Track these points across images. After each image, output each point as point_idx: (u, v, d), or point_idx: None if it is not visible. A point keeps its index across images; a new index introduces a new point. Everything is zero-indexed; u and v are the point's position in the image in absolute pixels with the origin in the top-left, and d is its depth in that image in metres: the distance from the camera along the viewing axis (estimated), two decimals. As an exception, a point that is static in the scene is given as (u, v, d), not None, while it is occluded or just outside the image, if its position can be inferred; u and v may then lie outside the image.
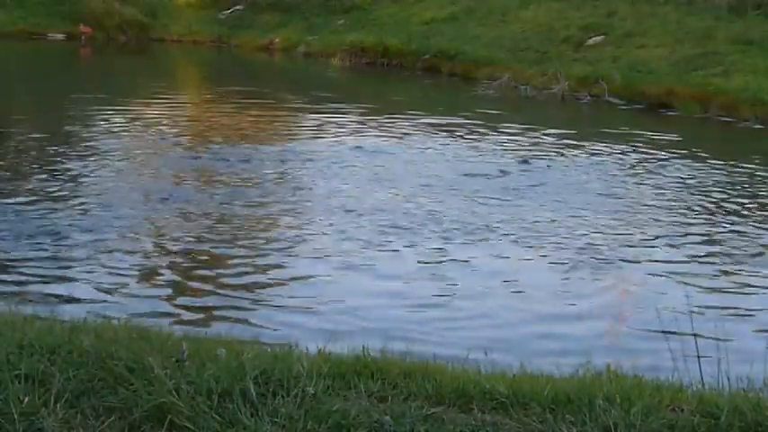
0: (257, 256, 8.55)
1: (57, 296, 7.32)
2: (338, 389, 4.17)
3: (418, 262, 8.51)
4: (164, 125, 15.50)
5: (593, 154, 14.06)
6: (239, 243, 8.89)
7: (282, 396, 3.99)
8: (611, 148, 14.56)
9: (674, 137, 15.66)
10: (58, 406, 3.77)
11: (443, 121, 16.45)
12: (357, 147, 13.85)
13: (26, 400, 3.77)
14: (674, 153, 14.26)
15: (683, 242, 9.50)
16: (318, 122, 16.06)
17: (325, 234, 9.26)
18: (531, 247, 9.12)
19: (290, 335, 6.07)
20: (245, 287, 7.79)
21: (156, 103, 17.69)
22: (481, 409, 4.07)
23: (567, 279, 8.28)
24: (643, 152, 14.31)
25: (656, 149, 14.53)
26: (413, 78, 22.73)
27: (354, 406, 3.97)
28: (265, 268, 8.29)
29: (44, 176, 11.21)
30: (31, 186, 10.63)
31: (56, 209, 9.68)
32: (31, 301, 7.05)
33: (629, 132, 16.11)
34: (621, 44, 22.15)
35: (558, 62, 21.38)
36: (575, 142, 14.90)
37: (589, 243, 9.25)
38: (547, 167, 12.83)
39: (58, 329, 4.73)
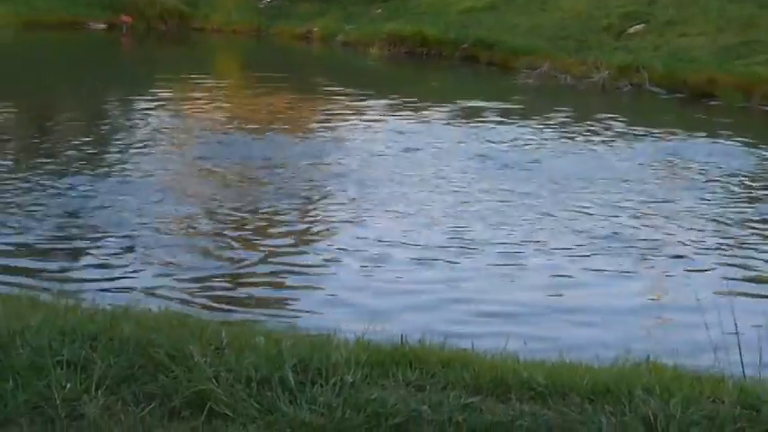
0: (295, 244, 8.57)
1: (97, 284, 7.39)
2: (376, 377, 4.17)
3: (458, 248, 8.51)
4: (202, 113, 15.56)
5: (634, 143, 13.93)
6: (278, 231, 8.92)
7: (321, 384, 4.00)
8: (652, 136, 14.43)
9: (716, 126, 15.48)
10: (100, 392, 3.81)
11: (481, 110, 16.38)
12: (395, 133, 13.85)
13: (68, 386, 3.81)
14: (716, 142, 14.12)
15: (728, 231, 9.41)
16: (357, 111, 16.05)
17: (365, 221, 9.27)
18: (569, 235, 9.07)
19: (329, 324, 6.07)
20: (285, 276, 7.82)
21: (196, 91, 17.76)
22: (519, 398, 4.06)
23: (605, 268, 8.23)
24: (685, 141, 14.17)
25: (699, 138, 14.38)
26: (451, 68, 22.64)
27: (392, 395, 3.98)
28: (304, 257, 8.30)
29: (85, 164, 11.31)
30: (71, 173, 10.73)
31: (96, 196, 9.76)
32: (71, 291, 7.11)
33: (671, 121, 15.96)
34: (663, 32, 21.91)
35: (599, 51, 21.19)
36: (615, 131, 14.78)
37: (629, 233, 9.19)
38: (585, 157, 12.75)
39: (100, 317, 4.77)
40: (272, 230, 8.96)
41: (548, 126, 15.05)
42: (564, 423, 3.83)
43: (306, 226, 9.17)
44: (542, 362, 4.80)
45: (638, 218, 9.77)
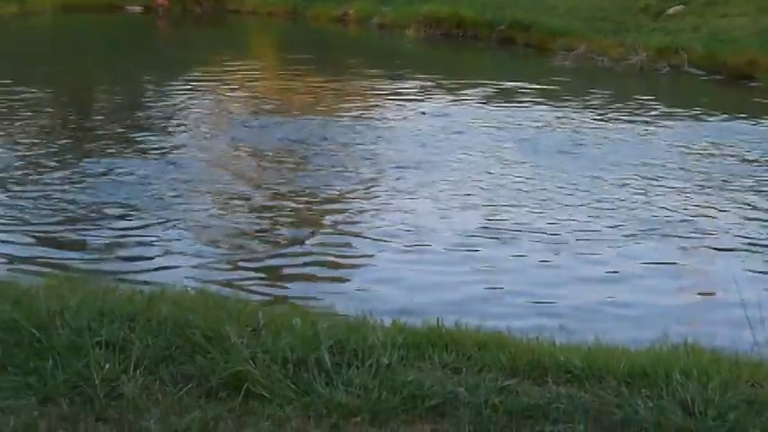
0: (334, 228, 8.57)
1: (135, 264, 7.45)
2: (412, 360, 4.18)
3: (496, 234, 8.47)
4: (239, 96, 15.60)
5: (674, 125, 13.80)
6: (316, 214, 8.93)
7: (357, 366, 4.01)
8: (692, 118, 14.29)
9: (757, 108, 15.30)
10: (138, 372, 3.84)
11: (518, 93, 16.29)
12: (431, 116, 13.81)
13: (107, 366, 3.85)
14: (757, 123, 13.96)
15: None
16: (393, 93, 16.01)
17: (402, 206, 9.24)
18: (605, 218, 9.02)
19: (366, 307, 6.07)
20: (322, 257, 7.83)
21: (232, 74, 17.79)
22: (555, 381, 4.05)
23: (645, 251, 8.17)
24: (725, 123, 14.02)
25: (739, 120, 14.21)
26: (487, 50, 22.52)
27: (428, 377, 3.98)
28: (342, 241, 8.30)
29: (123, 145, 11.39)
30: (109, 154, 10.80)
31: (134, 177, 9.83)
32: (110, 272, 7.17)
33: (711, 103, 15.79)
34: (702, 13, 21.66)
35: (637, 32, 20.98)
36: (654, 114, 14.65)
37: (669, 218, 9.12)
38: (624, 140, 12.65)
39: (138, 298, 4.81)
40: (309, 214, 8.98)
41: (585, 108, 14.94)
42: (600, 406, 3.82)
43: (344, 210, 9.16)
44: (579, 345, 4.78)
45: (678, 202, 9.67)
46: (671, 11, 22.28)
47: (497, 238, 8.34)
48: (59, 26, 26.24)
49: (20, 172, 9.96)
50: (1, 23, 24.88)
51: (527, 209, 9.23)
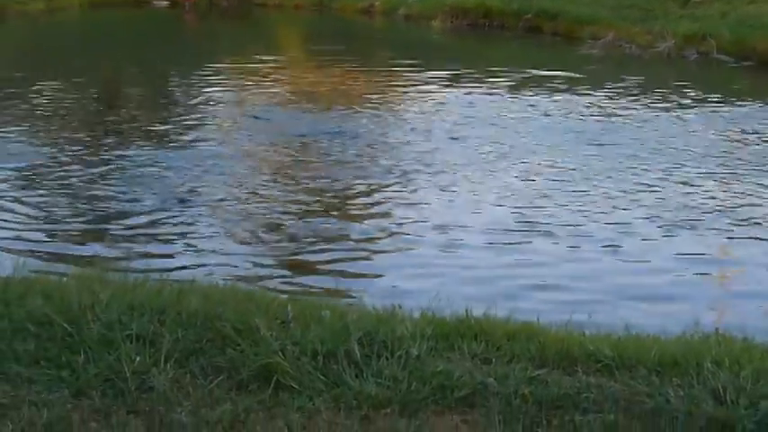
0: (364, 222, 8.55)
1: (164, 258, 7.48)
2: (442, 350, 4.18)
3: (522, 225, 8.44)
4: (266, 89, 15.63)
5: (704, 112, 13.70)
6: (347, 208, 8.91)
7: (386, 357, 4.02)
8: (722, 105, 14.18)
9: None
10: (168, 365, 3.86)
11: (547, 81, 16.21)
12: (460, 106, 13.79)
13: (137, 359, 3.88)
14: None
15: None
16: (420, 84, 15.99)
17: (432, 198, 9.20)
18: (639, 207, 8.97)
19: (395, 298, 6.06)
20: (351, 251, 7.83)
21: (259, 67, 17.82)
22: (585, 371, 4.04)
23: (679, 241, 8.12)
24: (755, 109, 13.90)
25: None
26: (514, 39, 22.42)
27: (458, 367, 3.99)
28: (371, 234, 8.27)
29: (152, 139, 11.45)
30: (136, 149, 10.84)
31: (162, 171, 9.87)
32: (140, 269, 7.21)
33: (740, 89, 15.66)
34: (730, 0, 21.49)
35: (664, 20, 20.82)
36: (684, 101, 14.55)
37: (701, 206, 9.05)
38: (654, 127, 12.57)
39: (167, 291, 4.83)
40: (338, 207, 8.96)
41: (615, 96, 14.84)
42: (631, 395, 3.81)
43: (373, 203, 9.13)
44: (608, 334, 4.77)
45: (710, 190, 9.59)
46: (699, -3, 22.09)
47: (529, 231, 8.27)
48: (86, 21, 26.37)
49: (47, 166, 10.01)
50: (28, 19, 25.04)
51: (559, 200, 9.15)
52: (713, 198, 9.35)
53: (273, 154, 10.92)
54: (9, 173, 9.66)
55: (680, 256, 7.81)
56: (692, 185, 9.77)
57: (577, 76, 16.77)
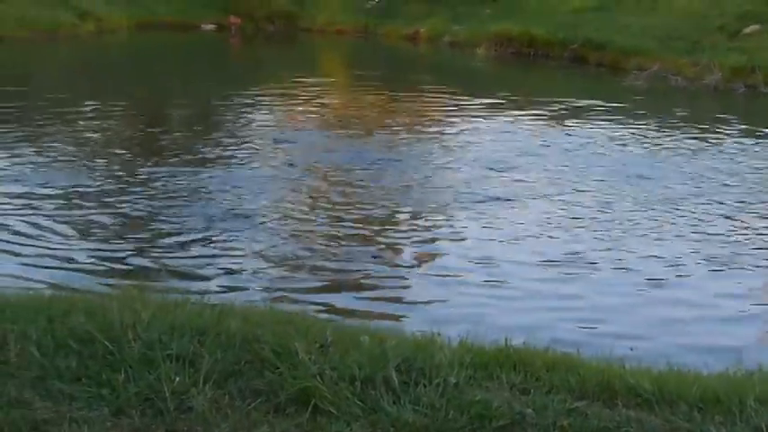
0: (405, 250, 8.54)
1: (203, 279, 7.52)
2: (480, 379, 4.16)
3: (564, 257, 8.38)
4: (308, 113, 15.72)
5: (751, 146, 13.58)
6: (388, 236, 8.88)
7: (424, 385, 4.00)
8: None
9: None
10: (207, 386, 3.87)
11: (591, 112, 16.18)
12: (502, 134, 13.80)
13: (177, 379, 3.89)
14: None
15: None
16: (464, 112, 16.01)
17: (472, 227, 9.17)
18: (684, 242, 8.90)
19: (432, 325, 6.04)
20: (390, 277, 7.81)
21: (302, 91, 17.95)
22: (626, 404, 4.00)
23: (724, 278, 8.03)
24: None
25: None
26: (559, 68, 22.43)
27: (496, 397, 3.96)
28: (410, 261, 8.27)
29: (190, 160, 11.54)
30: (177, 169, 10.93)
31: (201, 191, 9.96)
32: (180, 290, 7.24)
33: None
34: (779, 33, 21.35)
35: (712, 52, 20.72)
36: (731, 134, 14.44)
37: (744, 241, 8.96)
38: (700, 160, 12.48)
39: (207, 313, 4.85)
40: (379, 233, 8.95)
41: (660, 128, 14.78)
42: (671, 431, 3.76)
43: (413, 231, 9.12)
44: (648, 368, 4.72)
45: (755, 227, 9.48)
46: (747, 30, 21.96)
47: (570, 262, 8.20)
48: (134, 44, 26.73)
49: (89, 186, 10.12)
50: (79, 41, 25.42)
51: (601, 232, 9.08)
52: (759, 234, 9.24)
53: (313, 178, 10.96)
54: (52, 192, 9.77)
55: (723, 291, 7.72)
56: (737, 220, 9.67)
57: (622, 107, 16.73)
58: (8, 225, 8.58)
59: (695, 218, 9.70)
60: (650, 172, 11.65)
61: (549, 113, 15.91)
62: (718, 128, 14.87)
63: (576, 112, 16.13)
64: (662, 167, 11.95)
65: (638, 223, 9.43)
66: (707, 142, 13.79)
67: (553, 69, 22.59)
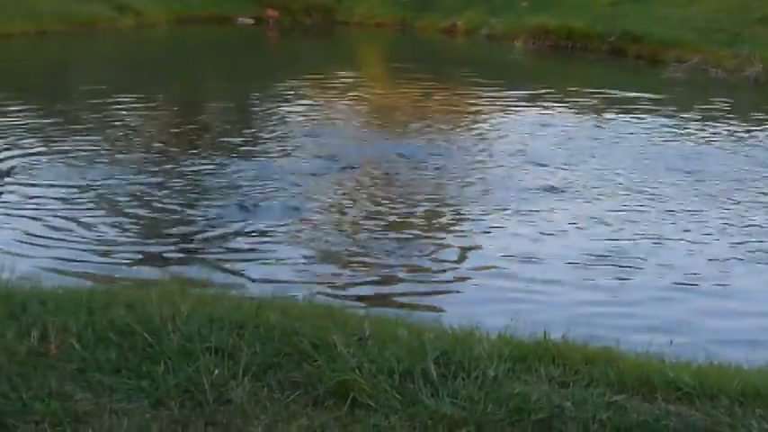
0: (440, 242, 8.51)
1: (243, 272, 7.55)
2: (519, 372, 4.15)
3: (604, 252, 8.31)
4: (344, 106, 15.73)
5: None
6: (423, 229, 8.87)
7: (463, 378, 4.00)
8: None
9: None
10: (246, 379, 3.89)
11: (630, 105, 16.07)
12: (541, 127, 13.73)
13: (216, 371, 3.91)
14: None
15: None
16: (502, 105, 15.95)
17: (512, 222, 9.11)
18: (726, 235, 8.82)
19: (471, 319, 6.01)
20: (430, 271, 7.79)
21: (338, 84, 17.97)
22: (665, 398, 3.97)
23: (757, 268, 7.96)
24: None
25: None
26: (597, 61, 22.29)
27: (535, 390, 3.95)
28: (450, 255, 8.22)
29: (227, 152, 11.60)
30: (214, 162, 10.99)
31: (237, 184, 10.00)
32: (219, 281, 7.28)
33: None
34: (821, 24, 21.09)
35: (752, 43, 20.51)
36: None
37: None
38: (743, 154, 12.35)
39: (246, 305, 4.87)
40: (422, 228, 8.89)
41: (699, 121, 14.65)
42: (712, 425, 3.73)
43: (455, 224, 9.08)
44: (689, 362, 4.68)
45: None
46: (788, 21, 21.70)
47: (610, 257, 8.12)
48: (172, 37, 26.88)
49: (125, 178, 10.18)
50: (118, 35, 25.62)
51: (641, 226, 9.00)
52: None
53: (353, 171, 10.91)
54: (89, 185, 9.84)
55: (765, 286, 7.64)
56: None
57: (662, 99, 16.59)
58: (47, 219, 8.66)
59: (737, 211, 9.60)
60: (691, 165, 11.55)
61: (587, 106, 15.82)
62: (759, 120, 14.71)
63: (615, 105, 16.01)
64: (703, 160, 11.84)
65: (679, 216, 9.36)
66: (748, 134, 13.64)
67: (591, 62, 22.45)
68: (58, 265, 7.43)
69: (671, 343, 5.74)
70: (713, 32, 21.93)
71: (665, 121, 14.62)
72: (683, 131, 13.80)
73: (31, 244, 7.96)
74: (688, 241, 8.64)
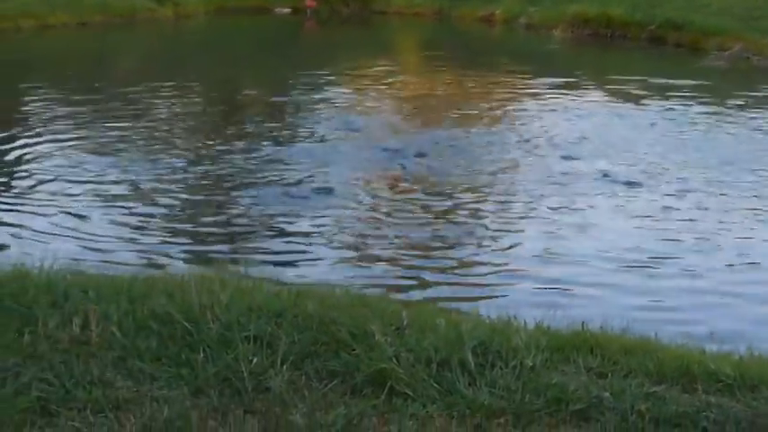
0: (481, 232, 8.48)
1: (281, 261, 7.58)
2: (557, 362, 4.14)
3: (641, 241, 8.26)
4: (381, 95, 15.72)
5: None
6: (464, 220, 8.82)
7: (500, 367, 4.00)
8: None
9: None
10: (284, 367, 3.92)
11: (672, 94, 15.91)
12: (580, 118, 13.62)
13: (254, 360, 3.94)
14: None
15: None
16: (539, 93, 15.86)
17: (552, 214, 9.03)
18: (764, 226, 8.72)
19: (508, 308, 5.99)
20: (469, 263, 7.77)
21: (374, 73, 17.95)
22: (705, 389, 3.95)
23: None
24: None
25: None
26: (637, 50, 22.09)
27: (573, 380, 3.94)
28: (492, 244, 8.18)
29: (266, 141, 11.65)
30: (251, 150, 11.04)
31: (273, 173, 10.03)
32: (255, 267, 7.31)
33: None
34: None
35: (795, 31, 20.26)
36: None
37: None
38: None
39: (284, 294, 4.90)
40: (462, 218, 8.85)
41: (742, 110, 14.46)
42: (754, 417, 3.70)
43: (494, 215, 9.01)
44: (729, 354, 4.65)
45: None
46: (832, 8, 21.40)
47: (651, 249, 8.03)
48: (211, 27, 26.98)
49: (163, 167, 10.26)
50: (157, 25, 25.78)
51: (682, 216, 8.92)
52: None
53: (392, 160, 10.86)
54: (128, 174, 9.93)
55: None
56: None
57: (703, 87, 16.43)
58: (83, 208, 8.73)
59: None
60: (736, 155, 11.40)
61: (628, 95, 15.68)
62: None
63: (657, 94, 15.85)
64: (748, 150, 11.68)
65: (719, 208, 9.25)
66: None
67: (631, 50, 22.26)
68: (98, 254, 7.49)
69: (712, 334, 5.70)
70: (755, 20, 21.67)
71: (708, 109, 14.46)
72: (725, 120, 13.63)
73: (68, 233, 8.03)
74: (731, 231, 8.53)
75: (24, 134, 11.92)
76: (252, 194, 9.25)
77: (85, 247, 7.66)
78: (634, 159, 11.08)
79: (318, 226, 8.41)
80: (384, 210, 9.00)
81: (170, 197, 9.20)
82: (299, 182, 9.74)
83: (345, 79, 17.33)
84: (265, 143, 11.53)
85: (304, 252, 7.82)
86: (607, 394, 3.81)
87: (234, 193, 9.33)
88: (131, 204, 8.89)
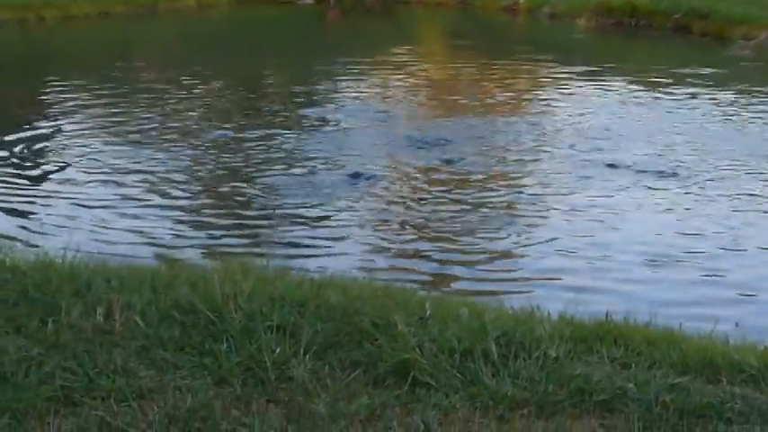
0: (506, 223, 8.43)
1: (304, 251, 7.59)
2: (580, 353, 4.13)
3: (667, 234, 8.19)
4: (402, 86, 15.69)
5: None
6: (487, 211, 8.77)
7: (524, 358, 3.99)
8: None
9: None
10: (307, 357, 3.92)
11: (698, 82, 15.81)
12: (605, 110, 13.53)
13: (278, 349, 3.94)
14: None
15: None
16: (563, 83, 15.79)
17: (585, 202, 8.97)
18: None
19: (532, 298, 5.96)
20: (493, 254, 7.73)
21: (396, 63, 17.92)
22: (730, 381, 3.93)
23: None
24: None
25: None
26: (662, 39, 21.95)
27: (597, 371, 3.92)
28: (515, 237, 8.11)
29: (288, 131, 11.65)
30: (273, 139, 11.05)
31: (295, 162, 10.03)
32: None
33: None
34: None
35: (823, 19, 20.06)
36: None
37: None
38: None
39: (307, 284, 4.90)
40: (487, 208, 8.78)
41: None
42: (778, 408, 3.68)
43: (521, 206, 8.97)
44: (754, 345, 4.62)
45: None
46: None
47: (678, 240, 7.97)
48: (233, 18, 27.02)
49: (188, 155, 10.30)
50: (179, 15, 25.82)
51: (710, 210, 8.82)
52: None
53: (417, 149, 10.81)
54: (152, 163, 9.96)
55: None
56: None
57: (730, 76, 16.30)
58: (105, 198, 8.78)
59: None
60: (764, 145, 11.29)
61: (653, 85, 15.58)
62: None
63: (682, 83, 15.75)
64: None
65: (748, 200, 9.15)
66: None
67: (656, 40, 22.12)
68: (121, 244, 7.50)
69: (736, 325, 5.66)
70: (781, 9, 21.48)
71: (735, 98, 14.36)
72: (754, 110, 13.52)
73: (90, 222, 8.06)
74: (755, 226, 8.44)
75: (45, 125, 12.00)
76: (275, 184, 9.26)
77: (105, 237, 7.67)
78: (659, 150, 11.01)
79: (342, 215, 8.41)
80: (409, 199, 8.98)
81: (191, 187, 9.22)
82: (323, 171, 9.73)
83: (369, 68, 17.31)
84: (288, 132, 11.53)
85: (327, 242, 7.82)
86: (631, 385, 3.80)
87: (256, 183, 9.34)
88: (151, 195, 8.92)
